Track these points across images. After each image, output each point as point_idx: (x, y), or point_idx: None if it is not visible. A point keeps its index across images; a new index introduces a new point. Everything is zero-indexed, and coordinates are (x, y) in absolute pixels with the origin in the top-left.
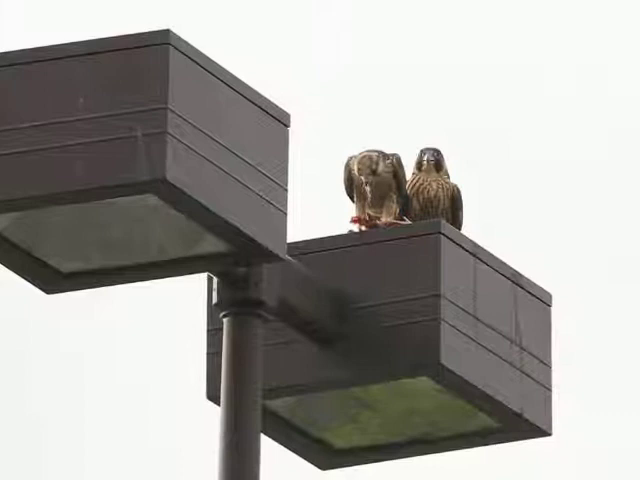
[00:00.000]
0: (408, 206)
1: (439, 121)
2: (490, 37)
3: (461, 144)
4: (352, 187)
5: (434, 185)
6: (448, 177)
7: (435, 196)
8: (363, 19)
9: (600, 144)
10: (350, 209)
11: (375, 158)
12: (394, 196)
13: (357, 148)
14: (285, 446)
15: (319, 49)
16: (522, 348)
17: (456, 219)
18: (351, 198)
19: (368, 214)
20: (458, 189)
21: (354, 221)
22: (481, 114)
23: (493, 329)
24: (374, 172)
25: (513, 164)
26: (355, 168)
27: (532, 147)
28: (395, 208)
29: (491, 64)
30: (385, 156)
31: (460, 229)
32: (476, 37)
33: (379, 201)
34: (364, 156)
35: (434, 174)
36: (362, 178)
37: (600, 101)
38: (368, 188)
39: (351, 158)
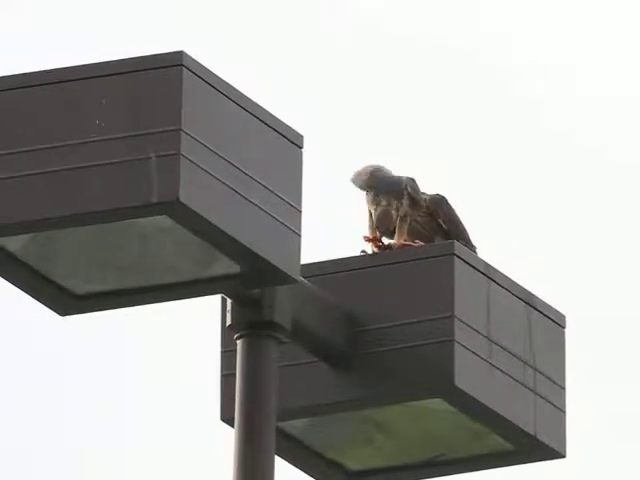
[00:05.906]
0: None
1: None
2: None
3: (469, 161)
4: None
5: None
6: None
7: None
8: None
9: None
10: (363, 229)
11: (394, 216)
12: (408, 218)
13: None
14: (299, 468)
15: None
16: (536, 370)
17: (442, 229)
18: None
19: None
20: (434, 201)
21: (367, 240)
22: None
23: (507, 350)
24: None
25: (527, 185)
26: (374, 227)
27: (543, 170)
28: (407, 229)
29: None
30: (397, 199)
31: (458, 229)
32: None
33: None
34: (380, 220)
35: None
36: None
37: None
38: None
39: (357, 174)
